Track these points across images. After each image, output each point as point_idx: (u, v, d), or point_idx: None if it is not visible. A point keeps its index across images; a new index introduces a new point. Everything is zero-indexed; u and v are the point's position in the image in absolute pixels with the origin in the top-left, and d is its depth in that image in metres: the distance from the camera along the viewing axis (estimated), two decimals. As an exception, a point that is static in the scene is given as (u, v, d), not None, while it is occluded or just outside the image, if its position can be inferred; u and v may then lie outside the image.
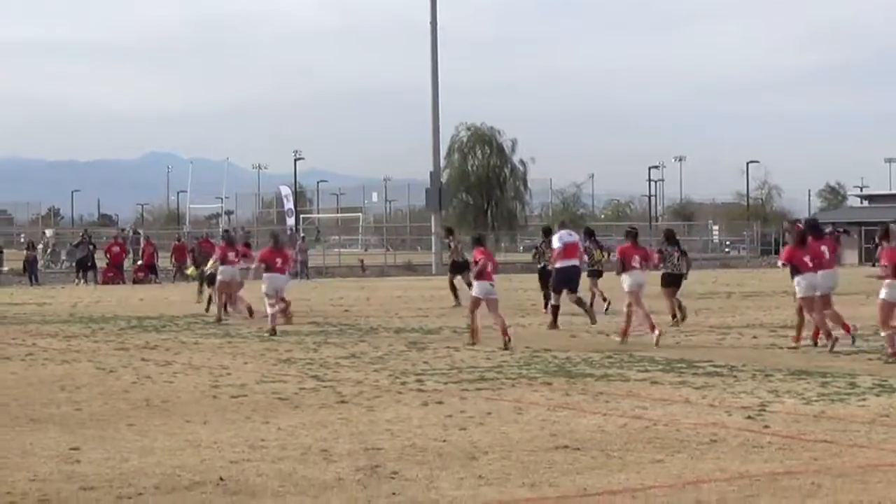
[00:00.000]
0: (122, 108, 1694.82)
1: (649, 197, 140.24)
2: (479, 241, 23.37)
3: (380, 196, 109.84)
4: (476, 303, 22.30)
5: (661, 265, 26.64)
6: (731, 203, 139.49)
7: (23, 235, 58.04)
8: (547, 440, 11.80)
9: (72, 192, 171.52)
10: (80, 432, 12.39)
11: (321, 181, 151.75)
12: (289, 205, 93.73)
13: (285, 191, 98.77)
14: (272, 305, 25.53)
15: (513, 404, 14.30)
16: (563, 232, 27.24)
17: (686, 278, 27.01)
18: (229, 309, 28.63)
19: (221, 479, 10.04)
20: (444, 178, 73.94)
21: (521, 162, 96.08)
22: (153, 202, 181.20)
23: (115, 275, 54.50)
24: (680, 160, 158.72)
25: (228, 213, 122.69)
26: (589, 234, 31.54)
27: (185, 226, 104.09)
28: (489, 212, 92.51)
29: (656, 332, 21.56)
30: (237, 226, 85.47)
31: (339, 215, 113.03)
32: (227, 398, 14.95)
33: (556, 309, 26.21)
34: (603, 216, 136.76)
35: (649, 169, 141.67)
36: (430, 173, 69.07)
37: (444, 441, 11.79)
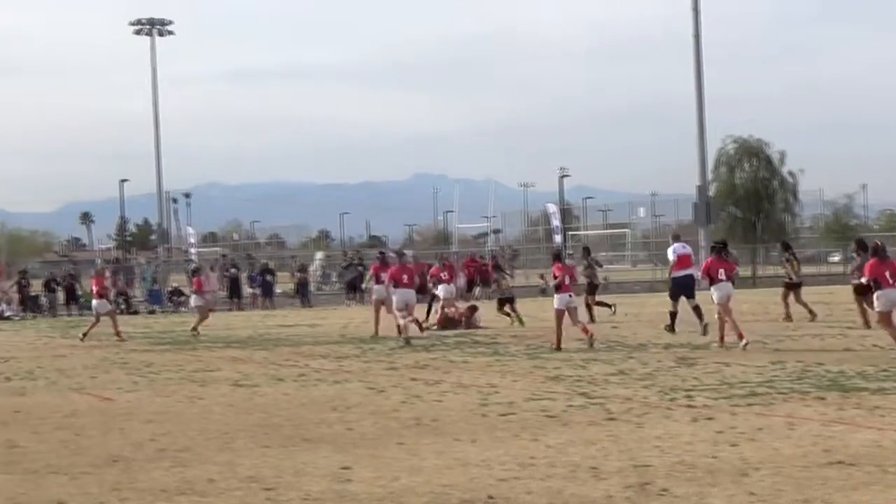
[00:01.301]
0: (392, 131, 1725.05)
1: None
2: (557, 258, 26.81)
3: (647, 211, 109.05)
4: (560, 314, 25.25)
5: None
6: None
7: (295, 258, 59.44)
8: (820, 456, 11.51)
9: (340, 215, 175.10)
10: (352, 451, 12.59)
11: (587, 198, 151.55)
12: (556, 222, 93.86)
13: (552, 208, 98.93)
14: (403, 318, 28.77)
15: (784, 420, 14.00)
16: (677, 245, 29.99)
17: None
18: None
19: (490, 497, 10.07)
20: (711, 191, 72.96)
21: (791, 174, 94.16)
22: (421, 223, 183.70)
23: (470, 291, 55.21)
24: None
25: (496, 231, 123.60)
26: (587, 251, 35.88)
27: (453, 245, 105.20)
28: (757, 225, 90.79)
29: (744, 340, 23.38)
30: (504, 244, 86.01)
31: (607, 231, 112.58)
32: (495, 416, 15.01)
33: (673, 315, 28.68)
34: (877, 227, 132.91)
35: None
36: (697, 187, 68.35)
37: (715, 457, 11.60)
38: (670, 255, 29.83)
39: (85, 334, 33.22)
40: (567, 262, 27.17)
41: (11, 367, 25.07)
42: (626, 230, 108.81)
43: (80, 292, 57.62)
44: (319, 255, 78.18)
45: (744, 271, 49.72)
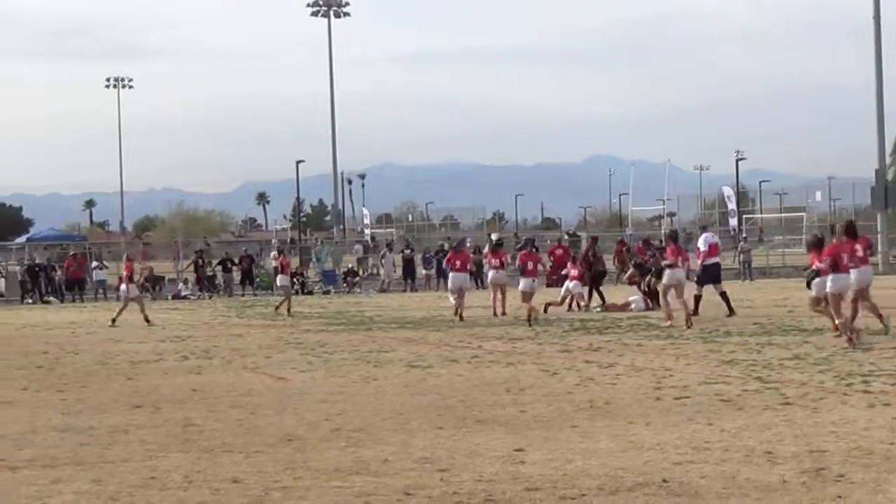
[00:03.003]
0: (565, 113, 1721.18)
1: None
2: (673, 238, 29.70)
3: (823, 195, 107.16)
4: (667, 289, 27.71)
5: None
6: None
7: (468, 240, 59.56)
8: None
9: (515, 196, 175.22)
10: (525, 433, 12.58)
11: (763, 181, 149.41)
12: (731, 205, 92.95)
13: (728, 191, 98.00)
14: (455, 300, 31.91)
15: (967, 407, 13.66)
16: (707, 234, 32.56)
17: None
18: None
19: (665, 480, 9.99)
20: (889, 175, 71.43)
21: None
22: (596, 205, 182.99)
23: (557, 278, 55.24)
24: None
25: (671, 214, 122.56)
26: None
27: (628, 228, 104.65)
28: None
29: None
30: (677, 227, 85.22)
31: (782, 215, 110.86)
32: (669, 400, 14.88)
33: (698, 299, 30.10)
34: None
35: None
36: (876, 171, 67.00)
37: (892, 444, 11.36)
38: (702, 245, 31.63)
39: (114, 319, 33.87)
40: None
41: (188, 346, 25.56)
42: (802, 214, 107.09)
43: (256, 272, 58.63)
44: (494, 236, 78.26)
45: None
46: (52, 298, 53.38)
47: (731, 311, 29.77)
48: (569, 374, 18.00)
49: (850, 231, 23.38)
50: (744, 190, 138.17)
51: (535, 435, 12.46)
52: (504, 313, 32.73)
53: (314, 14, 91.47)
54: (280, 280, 39.70)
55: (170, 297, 53.77)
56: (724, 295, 30.45)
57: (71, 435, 13.29)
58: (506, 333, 26.51)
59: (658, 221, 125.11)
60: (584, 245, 48.81)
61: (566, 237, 72.07)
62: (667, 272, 28.46)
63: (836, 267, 21.88)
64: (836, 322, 22.16)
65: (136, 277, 35.65)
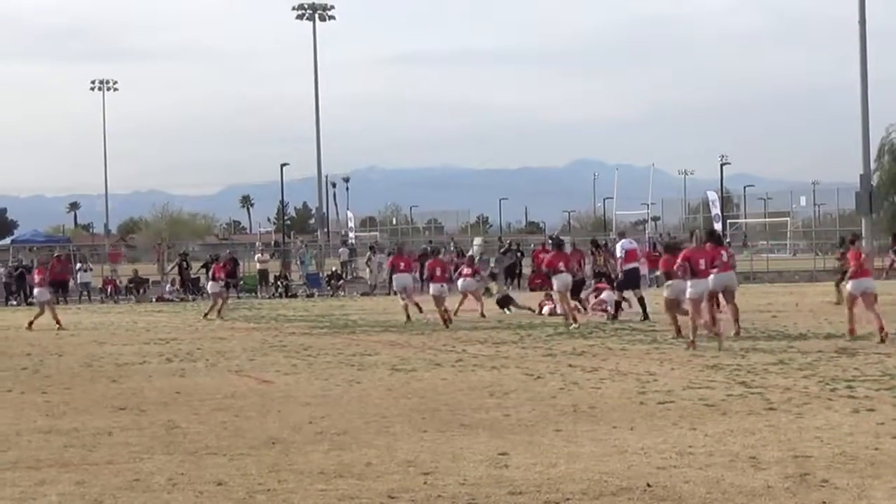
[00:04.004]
0: (550, 117, 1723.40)
1: None
2: (557, 245, 31.99)
3: (808, 200, 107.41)
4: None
5: None
6: None
7: (452, 244, 59.61)
8: None
9: (499, 200, 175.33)
10: (509, 437, 12.58)
11: (748, 186, 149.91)
12: (715, 210, 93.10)
13: (712, 196, 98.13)
14: (405, 300, 33.40)
15: (951, 412, 13.70)
16: (624, 241, 33.65)
17: None
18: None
19: (649, 485, 10.00)
20: (874, 180, 71.46)
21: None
22: (580, 209, 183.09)
23: (542, 281, 55.30)
24: None
25: (655, 219, 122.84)
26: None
27: (612, 232, 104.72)
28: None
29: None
30: (663, 232, 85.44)
31: (767, 220, 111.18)
32: (654, 404, 14.90)
33: (619, 304, 31.90)
34: None
35: None
36: (860, 176, 67.07)
37: (877, 449, 11.39)
38: (618, 252, 33.06)
39: (31, 323, 34.35)
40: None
41: (172, 348, 25.54)
42: (786, 219, 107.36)
43: (240, 275, 58.60)
44: (478, 240, 78.31)
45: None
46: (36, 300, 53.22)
47: (646, 317, 30.54)
48: (553, 379, 18.01)
49: (713, 238, 25.39)
50: (728, 194, 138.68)
51: (518, 439, 12.47)
52: (483, 315, 34.09)
53: (299, 17, 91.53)
54: (211, 287, 39.96)
55: (154, 300, 53.72)
56: (641, 300, 31.46)
57: (55, 437, 13.27)
58: (490, 337, 26.52)
59: (642, 226, 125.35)
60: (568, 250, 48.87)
61: (549, 241, 72.04)
62: (555, 279, 29.97)
63: (694, 272, 23.21)
64: (688, 324, 23.19)
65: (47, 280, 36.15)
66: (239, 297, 54.79)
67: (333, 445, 12.30)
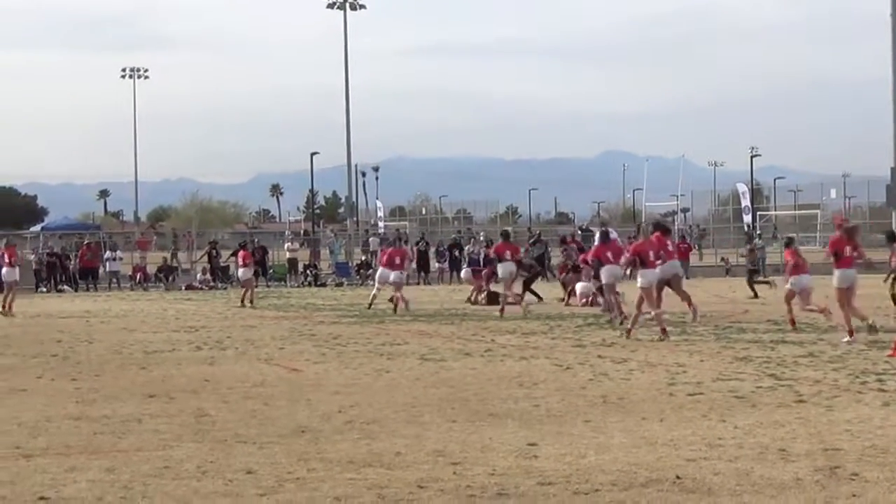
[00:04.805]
0: (580, 108, 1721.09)
1: None
2: (504, 236, 32.90)
3: (838, 193, 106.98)
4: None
5: None
6: None
7: (482, 233, 59.58)
8: None
9: (529, 191, 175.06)
10: (538, 428, 12.58)
11: (778, 178, 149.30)
12: (745, 202, 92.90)
13: (742, 188, 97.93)
14: (378, 290, 34.84)
15: (982, 407, 13.63)
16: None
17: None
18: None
19: (678, 476, 9.98)
20: (905, 173, 70.98)
21: None
22: (609, 200, 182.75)
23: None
24: None
25: (684, 210, 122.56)
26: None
27: (642, 223, 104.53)
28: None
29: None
30: (692, 223, 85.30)
31: (797, 212, 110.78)
32: (683, 396, 14.87)
33: (596, 294, 32.01)
34: None
35: None
36: (891, 169, 66.76)
37: (908, 443, 11.35)
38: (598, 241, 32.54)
39: (6, 307, 34.59)
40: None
41: (201, 336, 25.60)
42: (816, 211, 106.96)
43: (269, 264, 58.71)
44: (508, 230, 78.23)
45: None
46: (65, 287, 53.51)
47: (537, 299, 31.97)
48: (582, 369, 17.99)
49: (661, 228, 26.30)
50: (758, 186, 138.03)
51: (548, 429, 12.46)
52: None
53: (330, 7, 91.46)
54: (242, 273, 40.71)
55: (183, 288, 53.82)
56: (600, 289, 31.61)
57: (85, 423, 13.32)
58: (519, 328, 26.50)
59: (672, 217, 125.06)
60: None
61: (579, 232, 71.99)
62: (499, 266, 31.52)
63: (644, 263, 23.88)
64: (635, 315, 23.87)
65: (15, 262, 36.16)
66: (268, 286, 54.89)
67: (362, 434, 12.31)
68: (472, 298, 37.12)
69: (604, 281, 28.31)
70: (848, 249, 22.50)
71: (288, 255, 61.14)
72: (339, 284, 56.62)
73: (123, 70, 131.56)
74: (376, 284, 35.58)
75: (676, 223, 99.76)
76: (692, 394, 15.01)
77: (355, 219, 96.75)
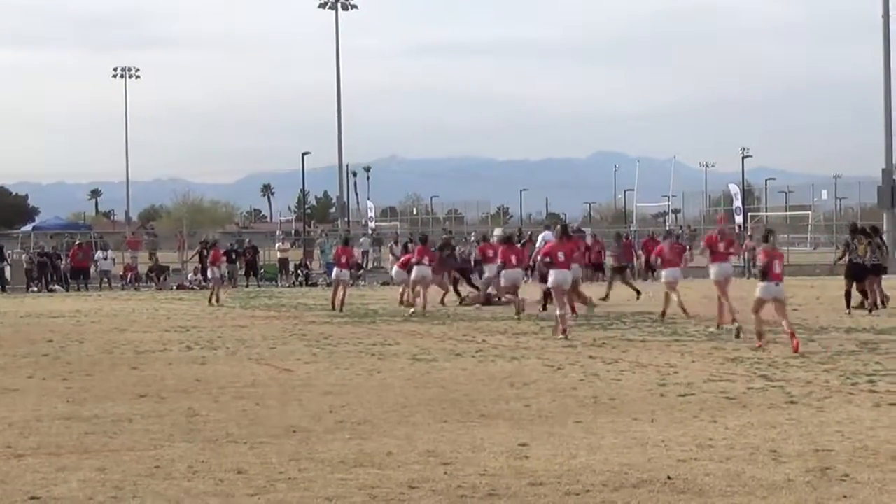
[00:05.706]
0: (573, 109, 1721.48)
1: None
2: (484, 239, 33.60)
3: (829, 194, 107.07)
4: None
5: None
6: None
7: (473, 233, 59.54)
8: None
9: (520, 191, 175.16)
10: (529, 428, 12.58)
11: (769, 179, 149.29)
12: (737, 203, 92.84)
13: (733, 189, 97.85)
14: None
15: (972, 408, 13.65)
16: (546, 233, 34.27)
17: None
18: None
19: (669, 477, 9.99)
20: (896, 175, 71.09)
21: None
22: (600, 201, 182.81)
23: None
24: None
25: (675, 211, 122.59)
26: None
27: (632, 224, 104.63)
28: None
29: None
30: (683, 224, 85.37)
31: (788, 213, 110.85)
32: (674, 396, 14.89)
33: (545, 296, 31.00)
34: None
35: None
36: (883, 170, 66.85)
37: (899, 444, 11.36)
38: (539, 243, 33.65)
39: None
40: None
41: (192, 336, 25.58)
42: (808, 212, 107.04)
43: (260, 264, 58.66)
44: (497, 231, 78.22)
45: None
46: (56, 287, 53.40)
47: (544, 308, 30.64)
48: (573, 370, 18.00)
49: (566, 233, 26.63)
50: (749, 187, 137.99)
51: (538, 430, 12.46)
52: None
53: (321, 6, 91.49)
54: (210, 272, 41.14)
55: (174, 288, 53.75)
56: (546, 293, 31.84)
57: (76, 423, 13.31)
58: (510, 328, 26.51)
59: (662, 218, 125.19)
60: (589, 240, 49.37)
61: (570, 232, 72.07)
62: (503, 273, 31.05)
63: (553, 264, 24.62)
64: (558, 313, 24.34)
65: None
66: (259, 286, 54.83)
67: (353, 435, 12.31)
68: (446, 299, 36.51)
69: (663, 279, 28.95)
70: (721, 246, 25.04)
71: (279, 254, 61.09)
72: (330, 284, 56.44)
73: (115, 69, 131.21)
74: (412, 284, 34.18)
75: (667, 224, 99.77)
76: (683, 394, 15.03)
77: (346, 219, 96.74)
